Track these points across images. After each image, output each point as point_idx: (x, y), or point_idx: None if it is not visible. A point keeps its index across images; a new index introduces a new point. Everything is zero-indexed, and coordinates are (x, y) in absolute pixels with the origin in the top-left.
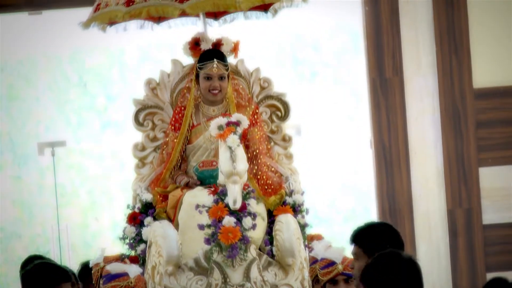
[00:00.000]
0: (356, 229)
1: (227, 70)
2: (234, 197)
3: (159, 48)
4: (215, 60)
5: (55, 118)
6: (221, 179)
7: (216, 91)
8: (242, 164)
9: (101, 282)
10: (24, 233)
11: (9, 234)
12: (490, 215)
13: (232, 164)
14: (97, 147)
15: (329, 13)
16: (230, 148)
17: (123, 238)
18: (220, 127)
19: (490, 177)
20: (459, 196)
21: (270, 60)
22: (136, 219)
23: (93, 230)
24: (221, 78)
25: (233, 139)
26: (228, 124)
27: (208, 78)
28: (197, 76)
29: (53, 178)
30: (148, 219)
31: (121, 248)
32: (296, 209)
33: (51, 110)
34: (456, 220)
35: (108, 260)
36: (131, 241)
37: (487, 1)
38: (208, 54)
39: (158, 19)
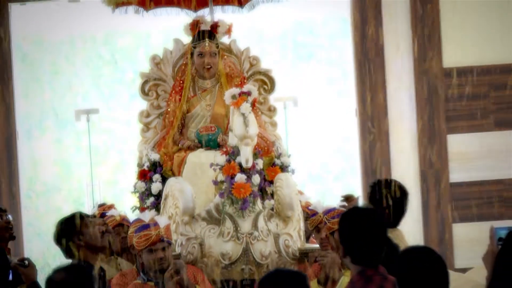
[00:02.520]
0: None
1: (217, 47)
2: (246, 157)
3: (180, 32)
4: (206, 39)
5: (90, 90)
6: (233, 141)
7: (209, 67)
8: (253, 128)
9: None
10: (63, 187)
11: (51, 187)
12: (456, 175)
13: (245, 128)
14: (126, 114)
15: (323, 2)
16: (243, 114)
17: (134, 192)
18: (233, 96)
19: (457, 143)
20: (430, 159)
21: (274, 42)
22: (146, 175)
23: (122, 185)
24: (212, 54)
25: (246, 107)
26: (241, 93)
27: (201, 55)
28: (192, 54)
29: (88, 140)
30: (156, 176)
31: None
32: (283, 170)
33: (87, 83)
34: (428, 180)
35: (101, 207)
36: (142, 194)
37: None
38: (201, 34)
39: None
